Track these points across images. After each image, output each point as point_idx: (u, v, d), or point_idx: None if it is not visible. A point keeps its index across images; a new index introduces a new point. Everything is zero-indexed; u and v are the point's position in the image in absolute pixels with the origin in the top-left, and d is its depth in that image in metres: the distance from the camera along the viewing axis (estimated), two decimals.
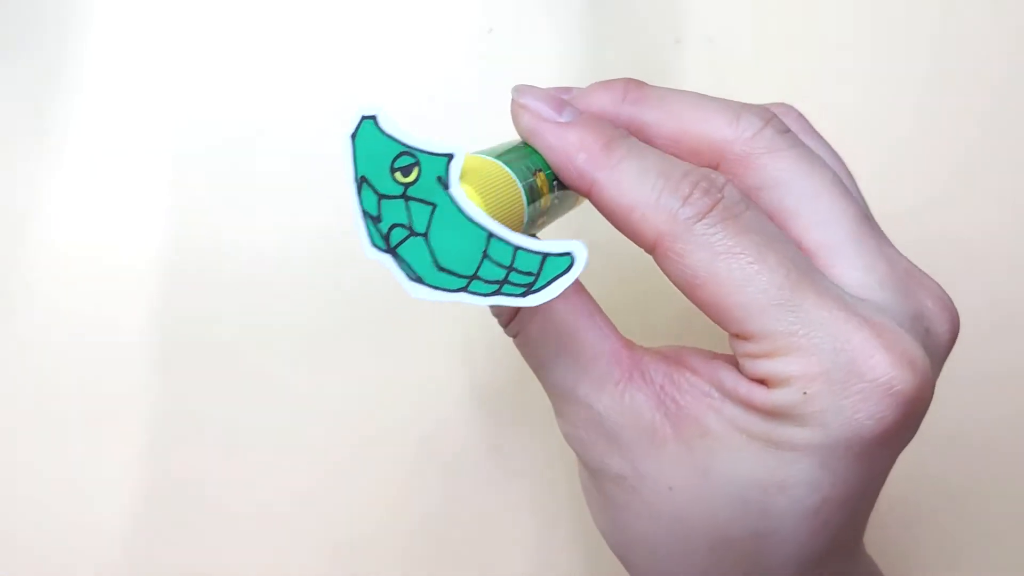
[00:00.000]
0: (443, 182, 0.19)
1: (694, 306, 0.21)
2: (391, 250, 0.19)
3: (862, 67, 0.36)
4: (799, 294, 0.20)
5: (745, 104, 0.23)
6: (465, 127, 0.35)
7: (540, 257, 0.19)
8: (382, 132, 0.19)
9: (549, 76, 0.35)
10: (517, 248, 0.19)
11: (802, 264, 0.21)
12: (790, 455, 0.20)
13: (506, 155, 0.22)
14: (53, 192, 0.34)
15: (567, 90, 0.24)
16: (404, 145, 0.19)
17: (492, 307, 0.23)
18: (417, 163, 0.19)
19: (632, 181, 0.21)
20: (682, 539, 0.22)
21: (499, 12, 0.35)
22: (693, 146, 0.23)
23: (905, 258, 0.23)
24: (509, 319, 0.23)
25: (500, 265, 0.19)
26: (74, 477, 0.34)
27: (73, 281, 0.34)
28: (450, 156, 0.19)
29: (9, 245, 0.34)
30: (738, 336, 0.21)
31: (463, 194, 0.19)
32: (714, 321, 0.21)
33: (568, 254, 0.19)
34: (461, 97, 0.35)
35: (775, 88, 0.36)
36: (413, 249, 0.19)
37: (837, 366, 0.20)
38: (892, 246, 0.23)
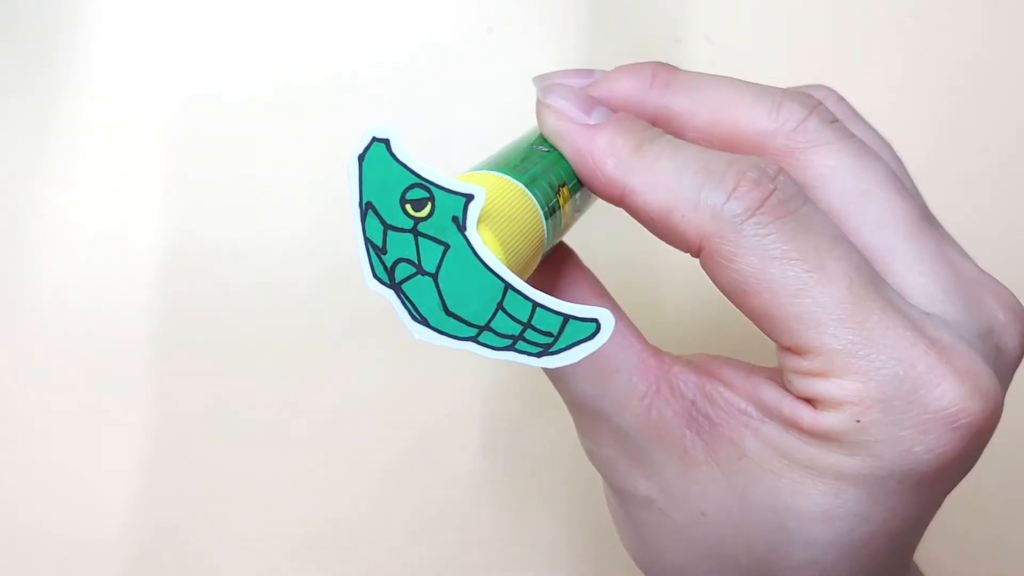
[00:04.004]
0: (459, 224, 0.17)
1: (731, 310, 0.20)
2: (395, 285, 0.17)
3: (862, 67, 0.36)
4: (862, 309, 0.18)
5: (786, 90, 0.21)
6: (465, 127, 0.35)
7: (561, 319, 0.17)
8: (394, 158, 0.17)
9: None
10: (537, 305, 0.17)
11: (866, 272, 0.18)
12: (836, 484, 0.18)
13: (527, 166, 0.20)
14: (52, 186, 0.34)
15: (589, 72, 0.22)
16: (418, 177, 0.17)
17: None
18: (431, 198, 0.17)
19: (669, 181, 0.19)
20: (715, 568, 0.20)
21: (499, 12, 0.35)
22: (728, 139, 0.20)
23: (971, 262, 0.21)
24: None
25: (516, 320, 0.17)
26: (73, 469, 0.34)
27: (73, 276, 0.34)
28: (470, 197, 0.17)
29: (9, 239, 0.34)
30: (789, 350, 0.19)
31: (480, 240, 0.17)
32: (764, 332, 0.19)
33: (594, 320, 0.17)
34: (461, 97, 0.35)
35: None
36: (419, 288, 0.17)
37: (899, 394, 0.18)
38: (956, 247, 0.21)
